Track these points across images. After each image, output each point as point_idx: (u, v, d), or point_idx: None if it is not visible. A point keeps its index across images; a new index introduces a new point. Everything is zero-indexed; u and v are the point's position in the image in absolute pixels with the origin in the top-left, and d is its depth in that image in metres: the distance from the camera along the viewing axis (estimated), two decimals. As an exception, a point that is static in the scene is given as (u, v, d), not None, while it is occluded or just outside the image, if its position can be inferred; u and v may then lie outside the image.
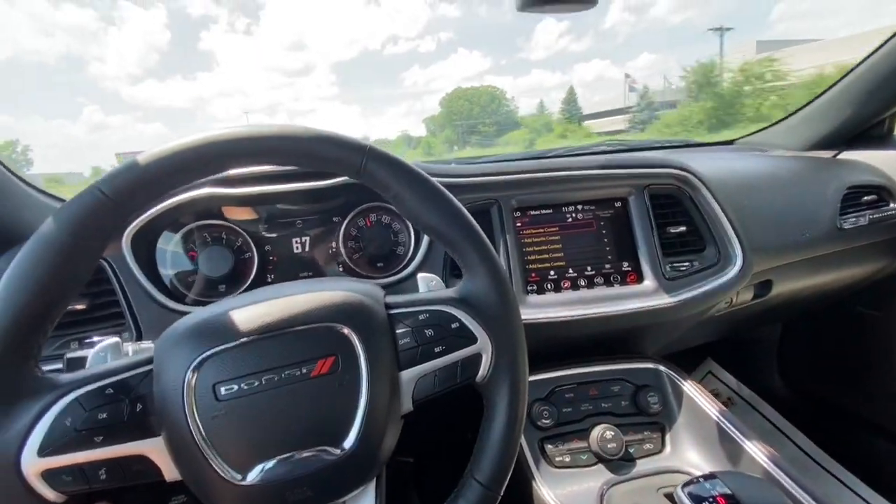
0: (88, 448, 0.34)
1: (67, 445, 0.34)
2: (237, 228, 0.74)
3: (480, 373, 0.44)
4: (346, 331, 0.39)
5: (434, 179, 0.44)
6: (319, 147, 0.41)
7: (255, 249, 0.75)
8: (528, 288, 0.76)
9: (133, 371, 0.38)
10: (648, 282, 0.77)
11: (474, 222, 0.45)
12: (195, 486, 0.37)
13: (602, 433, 0.69)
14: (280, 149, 0.40)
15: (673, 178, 0.79)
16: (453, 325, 0.43)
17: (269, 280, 0.76)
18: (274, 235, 0.76)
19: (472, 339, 0.43)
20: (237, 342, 0.37)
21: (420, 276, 0.52)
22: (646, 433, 0.73)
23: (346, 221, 0.79)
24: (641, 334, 0.84)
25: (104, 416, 0.35)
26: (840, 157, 1.12)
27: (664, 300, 0.74)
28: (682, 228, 0.80)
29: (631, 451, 0.71)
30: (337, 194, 0.76)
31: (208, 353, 0.37)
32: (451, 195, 0.44)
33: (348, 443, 0.38)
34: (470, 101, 55.65)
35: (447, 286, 0.74)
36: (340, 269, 0.79)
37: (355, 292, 0.43)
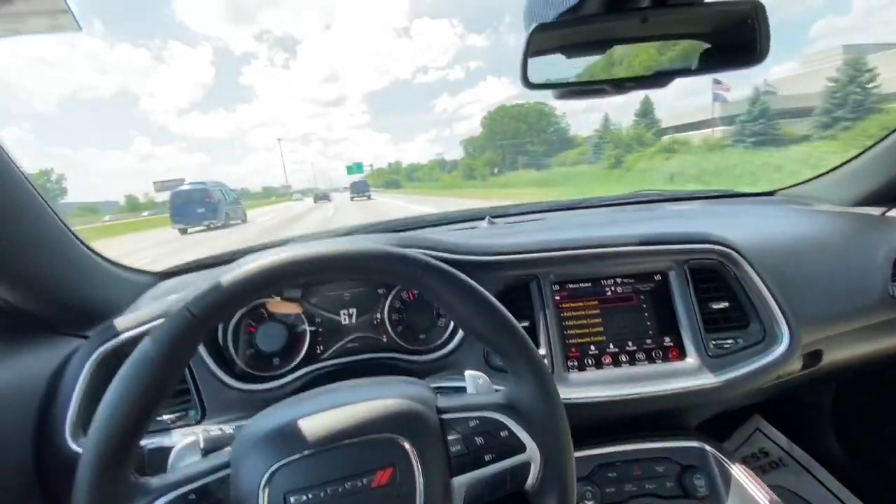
0: None
1: None
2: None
3: (529, 481, 0.46)
4: (403, 442, 0.43)
5: (483, 290, 0.47)
6: (379, 263, 0.46)
7: (306, 323, 0.80)
8: (569, 364, 0.77)
9: (212, 476, 0.42)
10: (691, 359, 0.76)
11: (522, 331, 0.47)
12: None
13: None
14: (345, 266, 0.46)
15: (714, 253, 0.80)
16: (502, 434, 0.46)
17: (319, 351, 0.81)
18: (324, 308, 0.81)
19: (521, 448, 0.46)
20: (305, 453, 0.41)
21: (468, 373, 0.55)
22: None
23: (390, 295, 0.83)
24: (685, 410, 0.83)
25: None
26: (889, 214, 1.09)
27: (708, 380, 0.74)
28: (725, 304, 0.79)
29: None
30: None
31: (280, 463, 0.41)
32: (499, 304, 0.47)
33: None
34: (516, 118, 53.14)
35: (487, 362, 0.77)
36: (384, 339, 0.82)
37: (411, 400, 0.46)
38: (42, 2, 0.45)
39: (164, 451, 0.56)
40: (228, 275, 0.43)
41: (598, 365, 0.78)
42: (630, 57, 0.63)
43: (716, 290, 0.81)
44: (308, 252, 0.45)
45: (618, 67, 0.63)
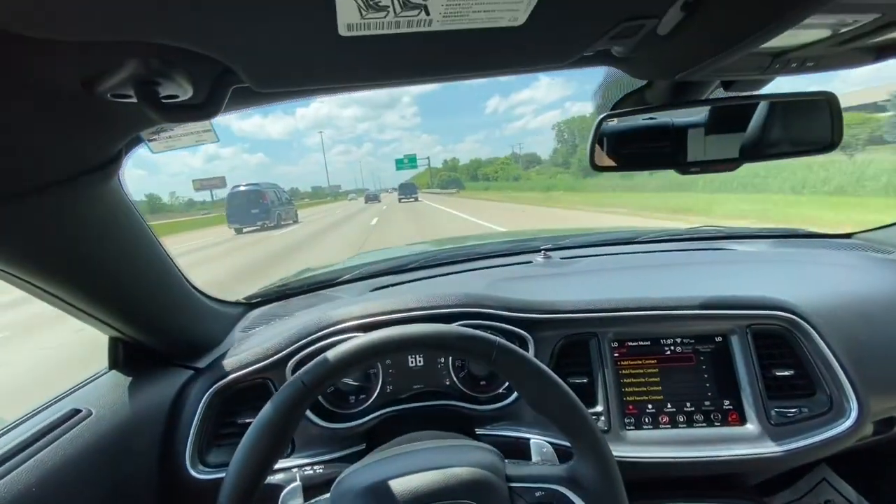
0: None
1: None
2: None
3: None
4: None
5: (551, 373, 0.54)
6: (462, 343, 0.54)
7: (379, 366, 0.89)
8: (626, 421, 0.82)
9: None
10: (752, 426, 0.78)
11: (588, 413, 0.54)
12: None
13: None
14: (431, 345, 0.54)
15: (779, 320, 0.81)
16: None
17: (389, 391, 0.90)
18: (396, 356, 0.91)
19: None
20: None
21: (533, 441, 0.61)
22: None
23: (455, 343, 0.91)
24: (739, 476, 0.85)
25: None
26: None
27: (770, 449, 0.75)
28: (790, 372, 0.80)
29: None
30: (447, 319, 0.89)
31: None
32: (565, 386, 0.54)
33: None
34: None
35: None
36: (447, 383, 0.90)
37: (484, 469, 0.54)
38: (195, 125, 0.57)
39: (268, 487, 0.67)
40: (334, 350, 0.53)
41: (656, 424, 0.81)
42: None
43: (780, 357, 0.82)
44: (401, 333, 0.54)
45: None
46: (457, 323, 0.84)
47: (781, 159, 0.65)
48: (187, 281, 0.88)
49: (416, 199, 34.90)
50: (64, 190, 0.51)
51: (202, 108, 0.42)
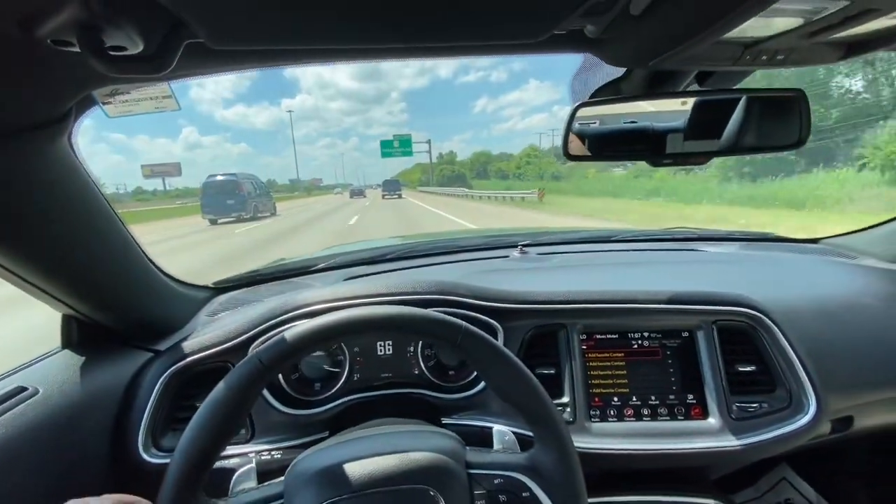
0: None
1: None
2: (333, 335, 0.88)
3: None
4: (435, 494, 0.49)
5: (516, 359, 0.54)
6: (428, 326, 0.54)
7: (347, 353, 0.88)
8: (591, 413, 0.82)
9: None
10: (713, 420, 0.80)
11: (550, 402, 0.54)
12: None
13: None
14: (396, 327, 0.53)
15: (744, 316, 0.83)
16: (524, 494, 0.52)
17: (356, 379, 0.88)
18: (362, 340, 0.89)
19: None
20: (350, 495, 0.49)
21: (496, 429, 0.61)
22: None
23: (424, 331, 0.90)
24: (701, 469, 0.87)
25: None
26: (940, 276, 1.07)
27: (730, 442, 0.77)
28: (752, 368, 0.82)
29: None
30: (417, 305, 0.88)
31: (328, 501, 0.48)
32: (530, 374, 0.54)
33: None
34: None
35: None
36: (416, 372, 0.89)
37: (444, 454, 0.53)
38: (152, 90, 0.55)
39: (223, 471, 0.65)
40: (294, 329, 0.51)
41: (620, 417, 0.82)
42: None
43: (743, 353, 0.84)
44: (365, 314, 0.53)
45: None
46: (431, 302, 0.83)
47: (752, 154, 0.66)
48: (149, 260, 0.84)
49: (400, 196, 35.30)
50: (6, 143, 0.48)
51: (151, 61, 0.40)
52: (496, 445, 0.61)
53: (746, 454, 0.77)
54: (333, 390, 0.86)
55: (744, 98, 0.65)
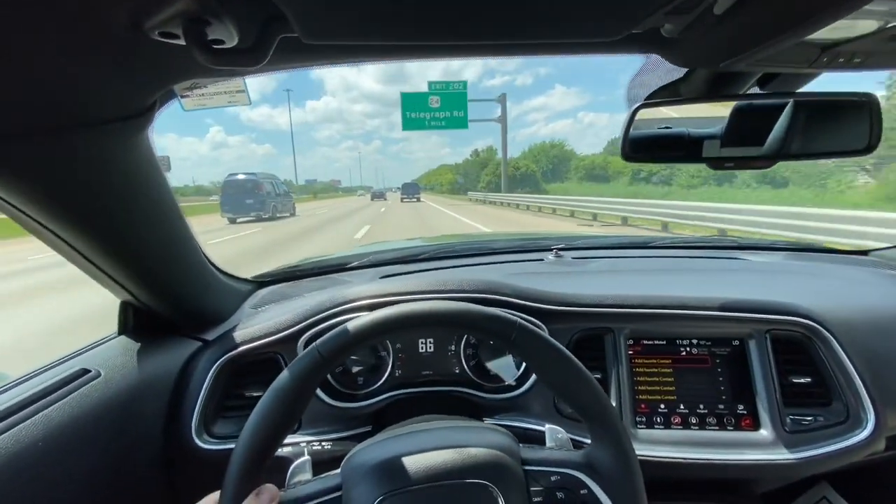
0: None
1: None
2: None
3: None
4: (493, 490, 0.49)
5: (571, 355, 0.54)
6: (483, 322, 0.54)
7: (390, 349, 0.89)
8: (637, 419, 0.82)
9: (327, 497, 0.50)
10: (766, 431, 0.79)
11: (608, 399, 0.54)
12: None
13: None
14: (452, 322, 0.54)
15: (799, 326, 0.82)
16: (582, 492, 0.52)
17: (398, 375, 0.90)
18: (405, 338, 0.91)
19: None
20: (410, 488, 0.49)
21: (548, 427, 0.61)
22: None
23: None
24: (752, 480, 0.85)
25: None
26: None
27: (783, 455, 0.76)
28: (807, 380, 0.81)
29: None
30: None
31: (387, 494, 0.48)
32: (586, 370, 0.54)
33: None
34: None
35: (557, 409, 0.83)
36: (457, 371, 0.90)
37: (500, 450, 0.53)
38: (228, 84, 0.58)
39: (278, 460, 0.67)
40: (353, 322, 0.52)
41: (667, 424, 0.82)
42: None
43: (797, 364, 0.82)
44: (424, 308, 0.53)
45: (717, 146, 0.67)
46: (477, 299, 0.84)
47: (819, 159, 0.66)
48: (203, 252, 0.88)
49: (418, 200, 35.90)
50: (94, 134, 0.51)
51: (249, 53, 0.42)
52: (549, 444, 0.61)
53: (800, 468, 0.76)
54: (377, 385, 0.88)
55: (792, 103, 0.64)
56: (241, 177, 16.95)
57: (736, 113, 0.67)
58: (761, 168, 0.67)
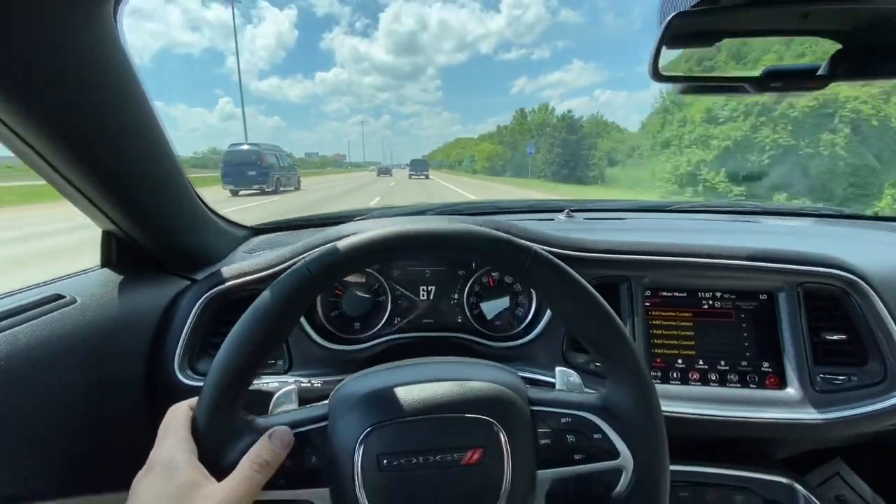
0: (275, 488, 0.42)
1: None
2: (375, 273, 0.85)
3: (618, 489, 0.46)
4: (495, 426, 0.44)
5: (591, 288, 0.48)
6: (491, 247, 0.47)
7: (389, 294, 0.84)
8: (652, 374, 0.77)
9: (312, 426, 0.46)
10: (793, 390, 0.73)
11: (629, 336, 0.47)
12: None
13: None
14: (457, 245, 0.47)
15: (836, 279, 0.75)
16: (595, 436, 0.46)
17: (396, 322, 0.85)
18: (404, 282, 0.86)
19: (614, 454, 0.46)
20: (402, 419, 0.44)
21: (559, 370, 0.55)
22: None
23: (471, 278, 0.86)
24: (771, 444, 0.80)
25: (289, 462, 0.43)
26: None
27: (811, 415, 0.71)
28: (841, 336, 0.75)
29: None
30: None
31: (377, 424, 0.44)
32: (606, 305, 0.47)
33: None
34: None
35: (565, 359, 0.78)
36: (459, 320, 0.85)
37: (505, 386, 0.48)
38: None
39: (261, 394, 0.62)
40: (346, 240, 0.46)
41: (685, 380, 0.77)
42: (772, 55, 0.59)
43: (831, 320, 0.76)
44: (424, 228, 0.47)
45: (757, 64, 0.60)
46: None
47: (880, 78, 0.58)
48: (192, 189, 0.82)
49: (427, 177, 35.47)
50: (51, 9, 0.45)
51: None
52: (559, 387, 0.56)
53: (828, 429, 0.71)
54: (373, 331, 0.83)
55: (861, 11, 0.56)
56: (244, 147, 16.69)
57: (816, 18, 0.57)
58: (813, 89, 0.60)
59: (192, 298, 0.75)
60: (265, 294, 0.45)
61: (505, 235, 0.48)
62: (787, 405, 0.72)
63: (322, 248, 0.46)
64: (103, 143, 0.60)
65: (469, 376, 0.49)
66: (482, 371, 0.51)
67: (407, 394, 0.46)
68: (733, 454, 0.80)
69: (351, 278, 0.85)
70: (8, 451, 0.50)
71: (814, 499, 0.72)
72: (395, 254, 0.48)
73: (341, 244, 0.46)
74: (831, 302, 0.77)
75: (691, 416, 0.72)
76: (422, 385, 0.47)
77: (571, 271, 0.48)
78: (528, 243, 0.48)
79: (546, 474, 0.46)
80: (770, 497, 0.74)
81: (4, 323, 0.55)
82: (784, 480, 0.75)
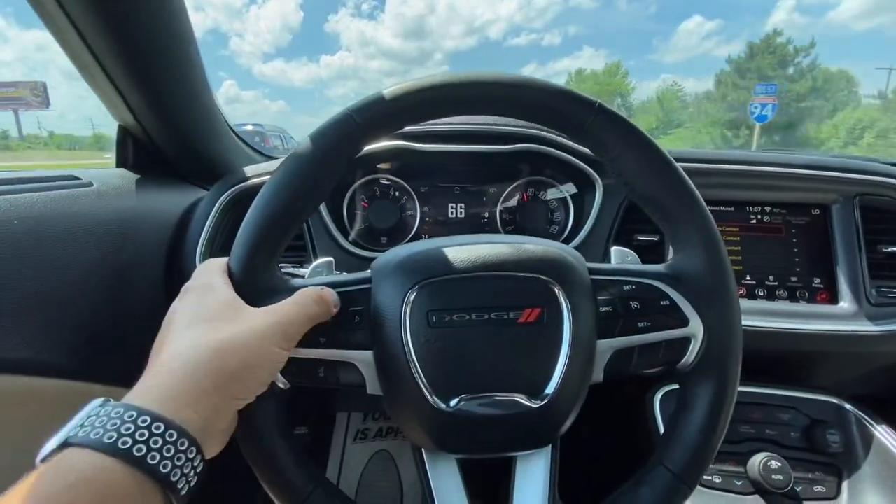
0: (313, 346, 0.39)
1: (300, 340, 0.38)
2: (405, 185, 0.81)
3: (686, 359, 0.43)
4: (554, 287, 0.40)
5: (658, 143, 0.43)
6: (551, 100, 0.42)
7: (418, 207, 0.81)
8: (697, 288, 0.73)
9: (354, 286, 0.42)
10: (846, 304, 0.70)
11: (699, 195, 0.43)
12: (392, 403, 0.41)
13: (765, 462, 0.65)
14: (514, 98, 0.42)
15: (895, 189, 0.71)
16: (662, 303, 0.42)
17: (424, 238, 0.81)
18: (434, 198, 0.82)
19: (684, 322, 0.42)
20: (453, 276, 0.40)
21: (615, 249, 0.51)
22: (818, 474, 0.67)
23: (504, 192, 0.82)
24: (818, 364, 0.77)
25: (331, 321, 0.39)
26: None
27: (866, 327, 0.67)
28: (900, 249, 0.71)
29: (798, 489, 0.66)
30: (500, 163, 0.80)
31: (426, 280, 0.40)
32: (677, 164, 0.43)
33: (543, 397, 0.39)
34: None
35: None
36: (490, 240, 0.82)
37: (562, 251, 0.44)
38: None
39: (297, 276, 0.59)
40: (393, 89, 0.41)
41: (730, 295, 0.73)
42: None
43: (887, 233, 0.72)
44: (477, 76, 0.42)
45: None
46: (519, 153, 0.75)
47: None
48: (216, 102, 0.79)
49: None
50: None
51: None
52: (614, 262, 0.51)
53: (883, 342, 0.67)
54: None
55: None
56: (248, 128, 16.48)
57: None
58: None
59: (214, 196, 0.72)
60: (306, 141, 0.41)
61: (568, 88, 0.43)
62: (839, 318, 0.69)
63: (369, 96, 0.42)
64: (139, 25, 0.58)
65: (524, 242, 0.45)
66: (536, 240, 0.47)
67: (457, 253, 0.42)
68: (780, 377, 0.77)
69: (378, 189, 0.81)
70: (20, 315, 0.47)
71: (863, 416, 0.69)
72: (445, 105, 0.43)
73: (388, 92, 0.41)
74: (888, 214, 0.73)
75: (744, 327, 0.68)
76: (472, 247, 0.43)
77: (639, 127, 0.43)
78: (592, 98, 0.43)
79: (608, 343, 0.42)
80: (818, 417, 0.71)
81: (18, 186, 0.52)
82: (833, 400, 0.72)
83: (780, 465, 0.65)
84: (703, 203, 0.43)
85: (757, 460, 0.66)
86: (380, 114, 0.41)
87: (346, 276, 0.45)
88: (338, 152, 0.41)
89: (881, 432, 0.67)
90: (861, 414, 0.70)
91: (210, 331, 0.30)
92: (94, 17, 0.54)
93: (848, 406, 0.71)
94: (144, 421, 0.24)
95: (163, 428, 0.24)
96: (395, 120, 0.43)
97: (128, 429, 0.24)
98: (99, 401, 0.26)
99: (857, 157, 1.23)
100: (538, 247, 0.44)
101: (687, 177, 0.43)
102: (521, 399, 0.39)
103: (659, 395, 0.72)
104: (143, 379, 0.28)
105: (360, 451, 1.19)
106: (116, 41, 0.58)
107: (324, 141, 0.40)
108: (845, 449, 0.68)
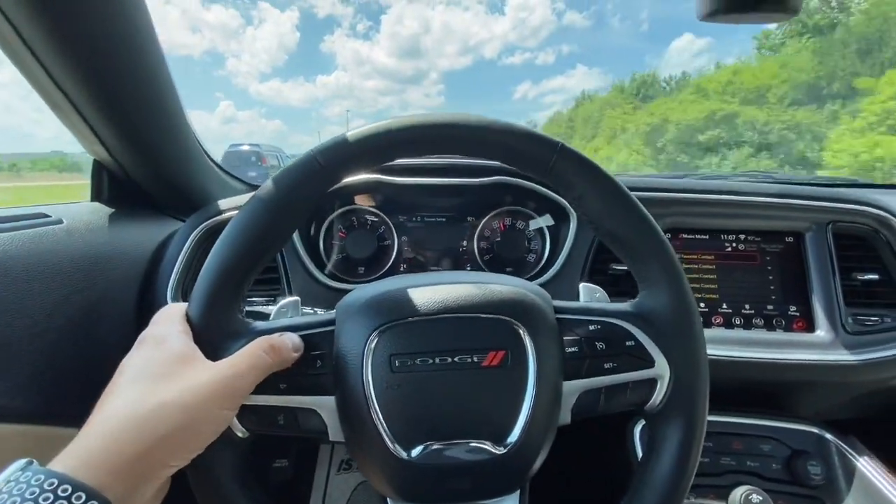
0: (273, 393, 0.38)
1: (258, 387, 0.37)
2: (383, 216, 0.81)
3: (652, 401, 0.42)
4: (519, 328, 0.40)
5: (620, 182, 0.43)
6: (514, 142, 0.42)
7: (395, 237, 0.81)
8: (674, 317, 0.73)
9: (316, 329, 0.41)
10: (822, 332, 0.70)
11: (662, 233, 0.44)
12: (356, 451, 0.40)
13: (747, 495, 0.64)
14: (478, 140, 0.43)
15: (867, 217, 0.72)
16: (627, 343, 0.42)
17: (402, 269, 0.82)
18: (412, 227, 0.82)
19: (649, 362, 0.42)
20: (418, 318, 0.40)
21: (583, 286, 0.51)
22: None
23: (481, 222, 0.82)
24: (797, 393, 0.76)
25: (292, 367, 0.38)
26: None
27: (843, 356, 0.67)
28: (874, 276, 0.72)
29: None
30: (476, 194, 0.80)
31: (390, 323, 0.39)
32: (640, 203, 0.43)
33: (509, 444, 0.38)
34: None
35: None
36: (468, 268, 0.82)
37: (528, 291, 0.44)
38: None
39: (263, 315, 0.58)
40: (358, 130, 0.42)
41: (707, 324, 0.73)
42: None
43: (860, 260, 0.73)
44: (444, 118, 0.43)
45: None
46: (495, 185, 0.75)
47: None
48: (193, 130, 0.79)
49: None
50: None
51: None
52: (583, 300, 0.51)
53: (862, 372, 0.67)
54: (378, 276, 0.80)
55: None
56: (244, 148, 16.63)
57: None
58: None
59: (187, 230, 0.72)
60: (269, 183, 0.41)
61: (531, 129, 0.44)
62: (816, 347, 0.69)
63: (333, 138, 0.42)
64: (108, 59, 0.57)
65: (489, 281, 0.45)
66: (502, 278, 0.47)
67: (421, 294, 0.42)
68: (759, 407, 0.76)
69: (356, 220, 0.81)
70: None
71: (844, 446, 0.68)
72: (410, 147, 0.43)
73: (352, 134, 0.42)
74: (861, 242, 0.74)
75: (714, 357, 0.68)
76: (437, 287, 0.43)
77: (601, 166, 0.44)
78: (555, 139, 0.43)
79: (575, 385, 0.42)
80: (799, 447, 0.70)
81: None
82: (812, 429, 0.71)
83: (761, 498, 0.64)
84: (667, 241, 0.43)
85: (738, 493, 0.65)
86: (344, 156, 0.41)
87: (308, 318, 0.44)
88: (301, 194, 0.41)
89: (863, 464, 0.66)
90: (842, 444, 0.69)
91: (151, 390, 0.30)
92: (60, 55, 0.54)
93: (829, 436, 0.70)
94: (65, 490, 0.23)
95: (84, 498, 0.24)
96: (360, 162, 0.42)
97: (46, 498, 0.23)
98: (21, 463, 0.25)
99: (836, 178, 1.26)
100: (504, 286, 0.44)
101: (650, 215, 0.43)
102: (486, 445, 0.38)
103: (639, 427, 0.71)
104: (77, 437, 0.28)
105: (345, 481, 1.16)
106: (84, 77, 0.57)
107: (287, 183, 0.40)
108: (827, 481, 0.67)
